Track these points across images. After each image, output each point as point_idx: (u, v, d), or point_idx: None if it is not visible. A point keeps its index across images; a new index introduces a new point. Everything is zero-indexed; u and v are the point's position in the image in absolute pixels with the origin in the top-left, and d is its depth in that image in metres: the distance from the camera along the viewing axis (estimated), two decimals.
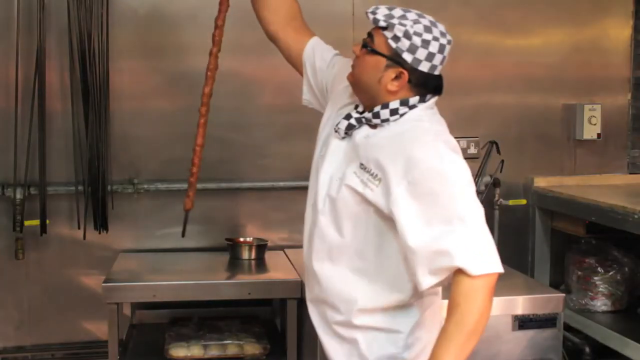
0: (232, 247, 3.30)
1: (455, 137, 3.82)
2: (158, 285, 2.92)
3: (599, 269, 3.40)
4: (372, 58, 2.03)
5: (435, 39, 2.01)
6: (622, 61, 3.80)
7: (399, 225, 1.94)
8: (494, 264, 1.90)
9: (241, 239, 3.34)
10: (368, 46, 2.04)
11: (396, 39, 1.98)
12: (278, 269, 3.14)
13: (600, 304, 3.38)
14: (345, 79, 2.20)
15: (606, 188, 3.63)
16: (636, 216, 2.94)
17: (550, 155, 3.79)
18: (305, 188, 3.49)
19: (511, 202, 3.59)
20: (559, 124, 3.78)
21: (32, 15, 3.20)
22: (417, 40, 1.98)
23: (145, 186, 3.37)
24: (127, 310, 3.35)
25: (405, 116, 2.04)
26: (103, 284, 2.87)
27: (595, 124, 3.72)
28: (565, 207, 3.49)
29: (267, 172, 3.46)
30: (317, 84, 2.39)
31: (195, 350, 2.95)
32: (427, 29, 2.01)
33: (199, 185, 3.40)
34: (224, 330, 3.15)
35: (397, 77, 2.00)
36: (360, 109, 2.12)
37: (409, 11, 2.04)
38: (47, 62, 3.22)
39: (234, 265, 3.23)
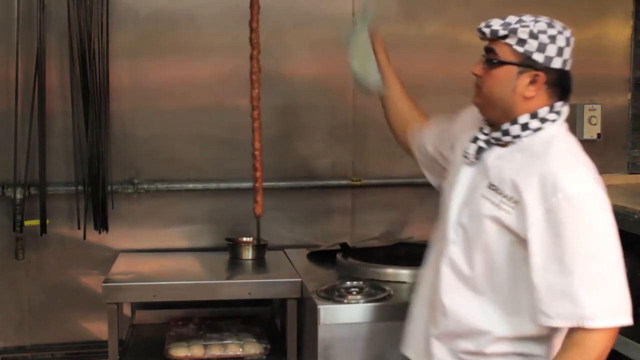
0: (232, 247, 3.30)
1: None
2: (158, 285, 2.92)
3: None
4: (501, 70, 1.96)
5: (560, 32, 1.95)
6: (622, 61, 3.80)
7: (529, 253, 1.87)
8: (620, 314, 1.83)
9: (241, 239, 3.34)
10: (493, 60, 1.97)
11: (522, 42, 1.92)
12: (278, 269, 3.14)
13: None
14: (460, 126, 2.23)
15: (606, 188, 3.62)
16: (636, 216, 2.93)
17: None
18: (305, 188, 3.53)
19: None
20: None
21: (32, 16, 3.20)
22: (544, 37, 1.92)
23: (145, 186, 3.37)
24: (127, 310, 3.35)
25: (538, 133, 1.97)
26: (103, 284, 2.87)
27: (595, 124, 3.71)
28: None
29: (267, 172, 3.45)
30: (443, 159, 2.40)
31: (196, 350, 2.95)
32: (549, 25, 1.95)
33: (200, 186, 3.42)
34: (224, 330, 3.15)
35: (532, 82, 1.94)
36: (486, 130, 2.05)
37: (523, 15, 1.98)
38: (47, 62, 3.21)
39: (234, 265, 3.23)
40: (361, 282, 2.81)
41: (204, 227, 3.47)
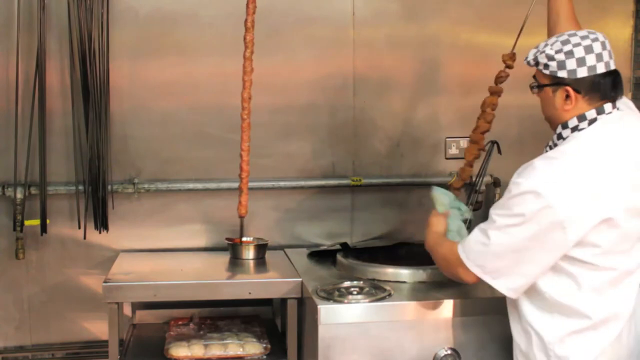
0: (232, 247, 3.30)
1: (456, 137, 3.83)
2: (158, 285, 2.92)
3: None
4: (543, 93, 2.27)
5: (576, 44, 2.16)
6: (622, 61, 3.79)
7: None
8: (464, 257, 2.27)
9: (241, 239, 3.34)
10: (535, 86, 2.28)
11: (546, 66, 2.21)
12: (278, 269, 3.14)
13: None
14: None
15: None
16: None
17: None
18: (305, 188, 3.53)
19: None
20: None
21: (32, 15, 3.20)
22: (560, 56, 2.17)
23: (146, 186, 3.37)
24: (127, 310, 3.35)
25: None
26: (103, 284, 2.87)
27: None
28: None
29: (267, 172, 3.46)
30: None
31: (196, 349, 2.95)
32: (565, 42, 2.18)
33: (200, 186, 3.42)
34: (224, 330, 3.16)
35: (567, 96, 2.19)
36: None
37: (551, 38, 2.24)
38: (47, 62, 3.22)
39: (234, 265, 3.23)
40: (361, 282, 2.81)
41: (204, 227, 3.47)
